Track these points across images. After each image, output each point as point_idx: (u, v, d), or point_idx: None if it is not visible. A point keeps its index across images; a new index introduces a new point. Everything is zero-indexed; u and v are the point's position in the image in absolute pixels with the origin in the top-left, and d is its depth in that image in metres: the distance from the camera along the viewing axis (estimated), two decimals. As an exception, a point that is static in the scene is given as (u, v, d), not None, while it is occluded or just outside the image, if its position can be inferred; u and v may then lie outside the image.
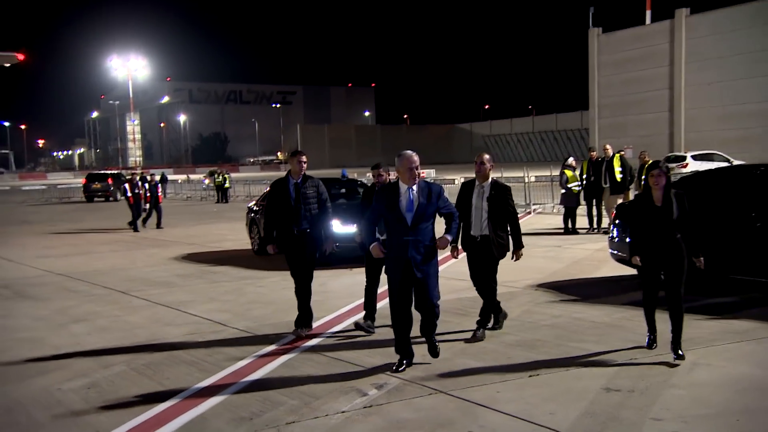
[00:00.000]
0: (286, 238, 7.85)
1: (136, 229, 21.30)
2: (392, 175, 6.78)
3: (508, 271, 11.34)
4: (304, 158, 7.98)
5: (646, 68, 53.73)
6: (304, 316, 7.82)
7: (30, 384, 6.36)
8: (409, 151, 6.27)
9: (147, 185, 22.49)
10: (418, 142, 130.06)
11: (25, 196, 45.31)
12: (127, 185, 22.61)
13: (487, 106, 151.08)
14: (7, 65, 33.08)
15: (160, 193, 22.94)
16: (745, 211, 8.94)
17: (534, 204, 22.95)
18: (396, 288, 6.26)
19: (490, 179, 7.39)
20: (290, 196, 7.79)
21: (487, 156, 7.46)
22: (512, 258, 7.57)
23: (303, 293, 7.82)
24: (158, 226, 21.95)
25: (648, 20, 55.48)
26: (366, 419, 5.15)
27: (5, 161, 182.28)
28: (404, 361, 6.29)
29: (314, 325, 7.97)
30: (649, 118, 53.48)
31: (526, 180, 23.44)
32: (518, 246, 7.53)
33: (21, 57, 30.43)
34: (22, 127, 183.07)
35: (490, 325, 7.57)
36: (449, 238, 6.38)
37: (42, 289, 11.40)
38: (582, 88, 61.10)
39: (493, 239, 7.28)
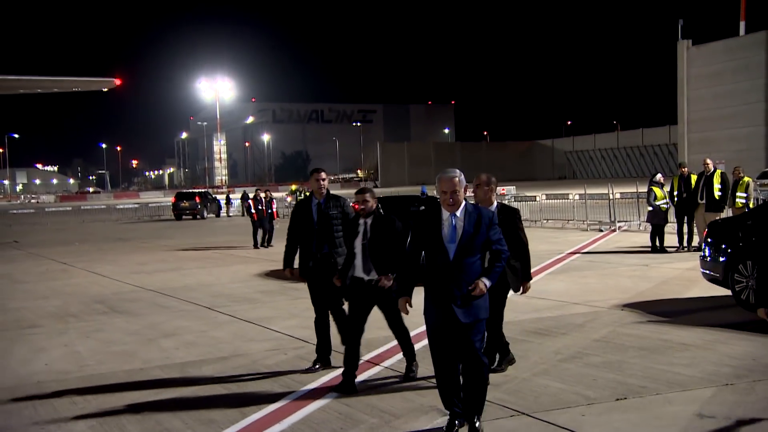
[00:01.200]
0: (306, 262, 7.26)
1: (256, 246, 21.74)
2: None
3: (592, 291, 11.13)
4: (323, 176, 7.44)
5: (740, 81, 51.86)
6: (322, 350, 7.26)
7: (122, 398, 6.55)
8: (450, 171, 5.20)
9: (250, 204, 22.65)
10: (498, 159, 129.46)
11: (120, 215, 47.05)
12: (251, 202, 22.84)
13: (569, 122, 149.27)
14: (105, 90, 34.61)
15: (274, 210, 23.07)
16: None
17: (619, 221, 22.40)
18: (433, 336, 5.22)
19: (495, 203, 6.58)
20: (312, 218, 7.24)
21: (485, 177, 6.58)
22: (519, 291, 6.93)
23: (320, 325, 7.30)
24: (267, 243, 21.97)
25: (742, 31, 53.63)
26: (447, 440, 5.09)
27: (102, 181, 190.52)
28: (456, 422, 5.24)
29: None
30: (743, 132, 51.54)
31: (611, 197, 22.89)
32: (527, 278, 6.89)
33: (118, 82, 31.73)
34: (118, 148, 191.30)
35: (493, 365, 6.72)
36: (487, 284, 5.08)
37: (134, 304, 11.79)
38: (670, 101, 59.48)
39: (506, 269, 6.41)
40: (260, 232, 22.22)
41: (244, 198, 44.65)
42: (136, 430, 5.65)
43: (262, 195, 22.99)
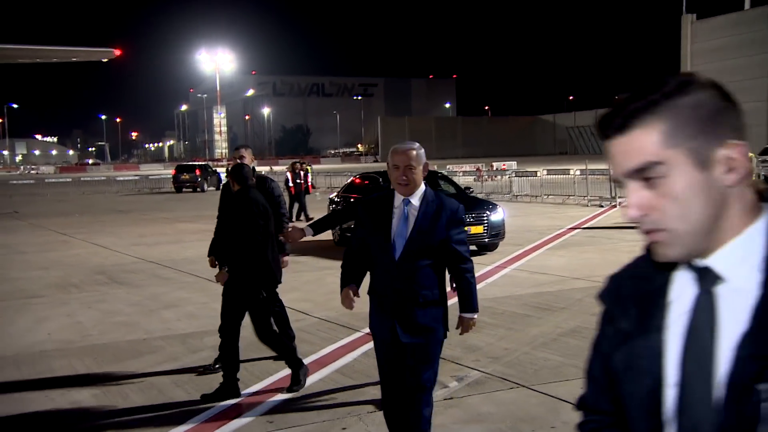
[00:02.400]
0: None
1: (290, 219, 21.15)
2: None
3: (592, 266, 11.16)
4: (242, 153, 6.81)
5: (744, 56, 51.48)
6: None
7: (126, 366, 6.62)
8: (406, 143, 4.02)
9: (289, 177, 21.58)
10: (500, 134, 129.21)
11: (120, 186, 47.00)
12: (289, 175, 21.78)
13: (571, 97, 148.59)
14: (105, 60, 34.35)
15: (310, 182, 22.29)
16: None
17: (620, 197, 22.39)
18: (378, 352, 4.15)
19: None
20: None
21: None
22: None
23: None
24: (306, 217, 21.14)
25: (747, 5, 53.20)
26: (446, 411, 5.16)
27: (102, 153, 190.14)
28: None
29: None
30: (747, 107, 48.97)
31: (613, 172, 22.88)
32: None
33: (118, 52, 31.47)
34: (118, 120, 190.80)
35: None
36: (473, 317, 4.11)
37: (135, 276, 11.84)
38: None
39: None
40: (296, 206, 21.41)
41: (292, 171, 44.59)
42: (139, 399, 5.72)
43: (299, 167, 22.04)
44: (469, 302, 4.07)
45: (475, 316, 4.12)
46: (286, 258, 6.86)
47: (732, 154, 1.14)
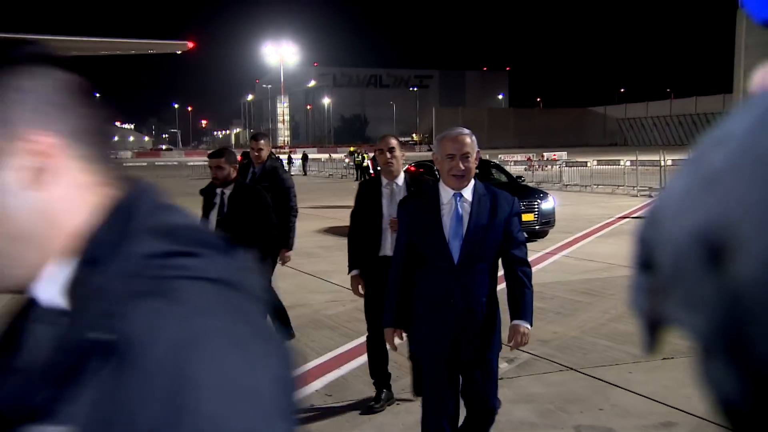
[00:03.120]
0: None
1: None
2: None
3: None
4: (261, 144, 6.49)
5: (794, 51, 49.92)
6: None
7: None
8: (456, 129, 3.38)
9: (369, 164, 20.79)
10: (551, 125, 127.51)
11: (190, 171, 47.83)
12: (369, 163, 21.59)
13: (622, 90, 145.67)
14: (179, 52, 35.05)
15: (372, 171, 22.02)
16: None
17: (669, 188, 21.89)
18: (428, 370, 3.45)
19: (402, 174, 4.79)
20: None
21: (395, 140, 4.83)
22: None
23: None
24: None
25: (799, 1, 51.37)
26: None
27: (174, 139, 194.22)
28: None
29: None
30: (795, 102, 49.79)
31: (662, 164, 22.33)
32: None
33: (191, 45, 32.06)
34: (189, 108, 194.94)
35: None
36: (528, 327, 3.42)
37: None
38: (726, 70, 57.45)
39: None
40: None
41: (305, 158, 45.10)
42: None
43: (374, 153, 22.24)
44: (525, 310, 3.39)
45: (530, 327, 3.41)
46: (288, 253, 6.63)
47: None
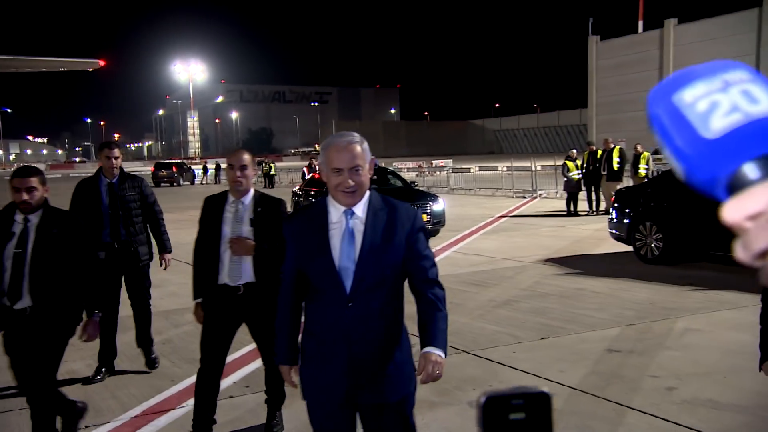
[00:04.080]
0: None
1: None
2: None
3: (519, 248, 11.30)
4: (115, 152, 5.50)
5: (639, 71, 52.78)
6: (107, 353, 5.54)
7: (117, 339, 6.44)
8: (344, 135, 2.56)
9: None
10: (438, 136, 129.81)
11: (103, 182, 45.71)
12: (305, 168, 20.88)
13: (497, 105, 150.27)
14: (90, 70, 33.42)
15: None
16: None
17: (540, 189, 22.75)
18: (324, 426, 2.66)
19: (252, 192, 4.04)
20: (102, 200, 5.34)
21: (248, 157, 4.02)
22: None
23: (110, 326, 5.63)
24: None
25: (640, 29, 54.51)
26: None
27: (87, 152, 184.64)
28: None
29: None
30: (641, 115, 52.56)
31: (533, 168, 23.19)
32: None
33: (102, 63, 30.65)
34: (101, 123, 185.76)
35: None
36: (441, 355, 2.49)
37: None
38: (581, 88, 60.28)
39: (263, 288, 3.92)
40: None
41: (218, 168, 44.07)
42: (129, 366, 5.60)
43: (316, 163, 20.88)
44: (437, 336, 2.51)
45: (443, 356, 2.49)
46: (167, 256, 5.91)
47: None
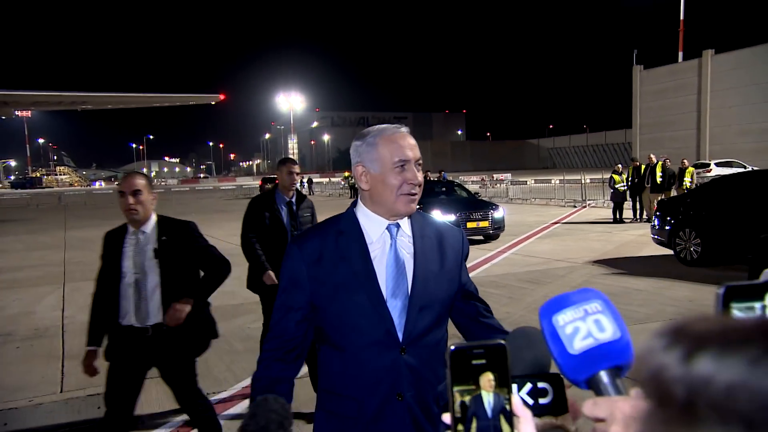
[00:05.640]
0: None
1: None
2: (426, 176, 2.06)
3: (570, 251, 10.96)
4: (297, 168, 4.56)
5: (678, 96, 50.42)
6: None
7: (230, 323, 6.66)
8: (386, 126, 1.59)
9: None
10: (498, 154, 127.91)
11: (222, 194, 47.59)
12: None
13: (551, 126, 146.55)
14: (213, 103, 34.89)
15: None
16: (764, 205, 8.22)
17: (589, 200, 22.01)
18: None
19: (153, 218, 3.09)
20: (282, 220, 4.39)
21: (142, 181, 3.02)
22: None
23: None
24: None
25: (680, 59, 52.07)
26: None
27: (209, 169, 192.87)
28: None
29: None
30: (680, 134, 50.14)
31: (583, 181, 22.48)
32: (199, 297, 3.13)
33: (222, 97, 31.90)
34: (221, 145, 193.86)
35: None
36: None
37: (235, 258, 11.80)
38: (626, 110, 58.06)
39: (178, 326, 3.00)
40: None
41: (310, 182, 45.00)
42: (240, 347, 5.73)
43: (434, 176, 19.59)
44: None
45: None
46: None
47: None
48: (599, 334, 0.63)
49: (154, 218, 3.09)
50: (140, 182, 3.00)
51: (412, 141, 1.58)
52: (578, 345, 0.63)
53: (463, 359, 0.68)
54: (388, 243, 1.58)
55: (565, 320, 0.65)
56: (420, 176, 1.58)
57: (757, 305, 0.71)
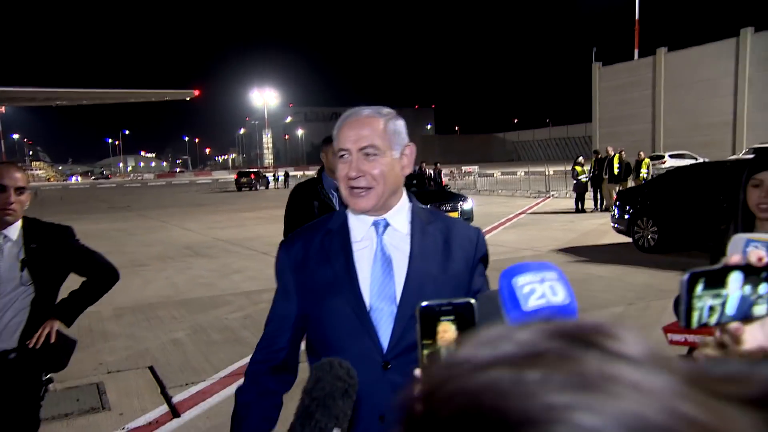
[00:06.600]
0: None
1: None
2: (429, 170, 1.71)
3: (535, 240, 11.08)
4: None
5: (636, 92, 51.40)
6: None
7: (208, 314, 6.57)
8: (361, 109, 1.33)
9: (432, 173, 18.26)
10: (467, 147, 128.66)
11: (198, 187, 46.86)
12: (429, 171, 18.54)
13: (515, 120, 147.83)
14: (188, 99, 34.27)
15: (443, 179, 19.46)
16: (715, 194, 8.43)
17: (552, 191, 22.31)
18: None
19: (20, 222, 2.39)
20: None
21: (23, 174, 2.35)
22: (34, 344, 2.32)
23: None
24: None
25: (636, 56, 53.05)
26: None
27: (185, 163, 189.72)
28: None
29: None
30: (636, 128, 51.17)
31: (547, 173, 22.77)
32: (68, 317, 2.42)
33: (197, 93, 31.39)
34: (196, 140, 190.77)
35: None
36: None
37: (212, 250, 11.76)
38: (587, 105, 58.90)
39: (44, 347, 2.32)
40: None
41: (286, 176, 44.64)
42: (218, 337, 5.66)
43: (430, 168, 18.48)
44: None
45: None
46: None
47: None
48: (552, 297, 0.67)
49: (20, 222, 2.39)
50: (23, 177, 2.36)
51: (359, 127, 1.30)
52: (532, 303, 0.66)
53: (432, 316, 0.70)
54: (374, 241, 1.35)
55: (524, 281, 0.68)
56: (366, 167, 1.29)
57: (723, 292, 0.72)
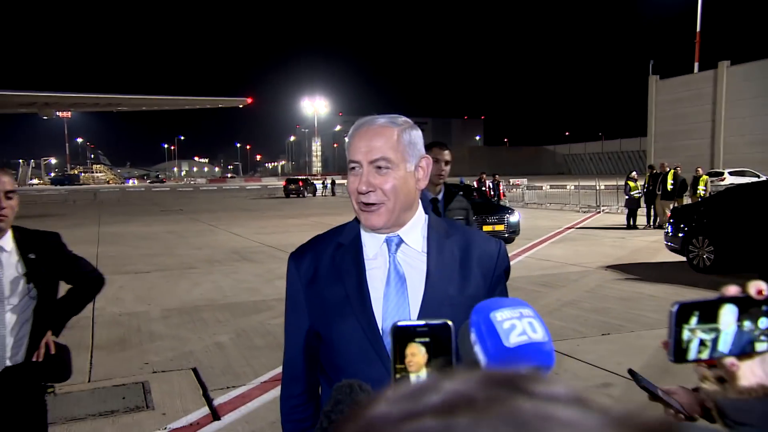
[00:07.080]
0: None
1: None
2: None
3: (583, 255, 10.78)
4: (447, 155, 3.57)
5: (693, 106, 49.55)
6: None
7: (251, 319, 6.67)
8: (375, 118, 1.23)
9: (491, 185, 18.01)
10: (515, 160, 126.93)
11: (248, 193, 47.92)
12: (475, 183, 18.40)
13: (567, 133, 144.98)
14: (241, 106, 35.17)
15: (501, 191, 19.62)
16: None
17: (603, 205, 21.69)
18: None
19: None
20: None
21: (12, 179, 2.19)
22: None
23: None
24: None
25: (696, 69, 51.19)
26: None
27: (236, 169, 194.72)
28: None
29: None
30: (694, 143, 49.24)
31: (598, 187, 22.16)
32: (57, 326, 2.31)
33: (250, 100, 32.09)
34: (248, 147, 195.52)
35: None
36: None
37: (258, 255, 11.95)
38: (641, 119, 57.14)
39: (44, 363, 2.23)
40: None
41: (333, 183, 45.14)
42: (260, 342, 5.73)
43: (489, 180, 18.30)
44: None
45: None
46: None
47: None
48: (532, 334, 0.66)
49: (10, 232, 2.24)
50: (10, 180, 2.20)
51: (371, 138, 1.20)
52: (514, 340, 0.65)
53: (405, 337, 0.68)
54: (386, 259, 1.26)
55: (503, 317, 0.67)
56: (378, 181, 1.20)
57: (717, 327, 0.71)
